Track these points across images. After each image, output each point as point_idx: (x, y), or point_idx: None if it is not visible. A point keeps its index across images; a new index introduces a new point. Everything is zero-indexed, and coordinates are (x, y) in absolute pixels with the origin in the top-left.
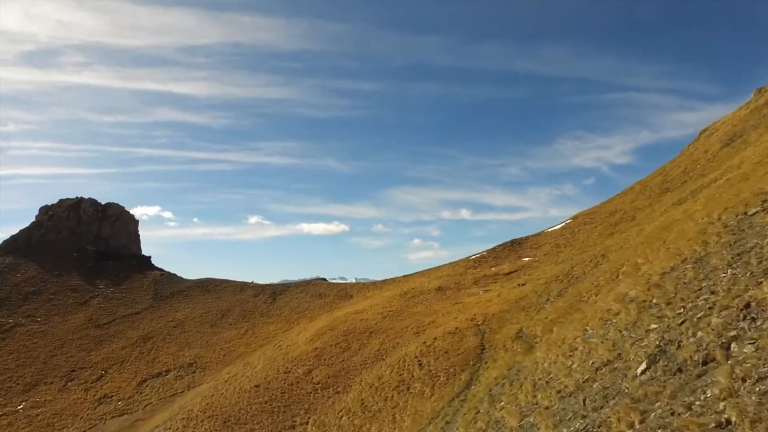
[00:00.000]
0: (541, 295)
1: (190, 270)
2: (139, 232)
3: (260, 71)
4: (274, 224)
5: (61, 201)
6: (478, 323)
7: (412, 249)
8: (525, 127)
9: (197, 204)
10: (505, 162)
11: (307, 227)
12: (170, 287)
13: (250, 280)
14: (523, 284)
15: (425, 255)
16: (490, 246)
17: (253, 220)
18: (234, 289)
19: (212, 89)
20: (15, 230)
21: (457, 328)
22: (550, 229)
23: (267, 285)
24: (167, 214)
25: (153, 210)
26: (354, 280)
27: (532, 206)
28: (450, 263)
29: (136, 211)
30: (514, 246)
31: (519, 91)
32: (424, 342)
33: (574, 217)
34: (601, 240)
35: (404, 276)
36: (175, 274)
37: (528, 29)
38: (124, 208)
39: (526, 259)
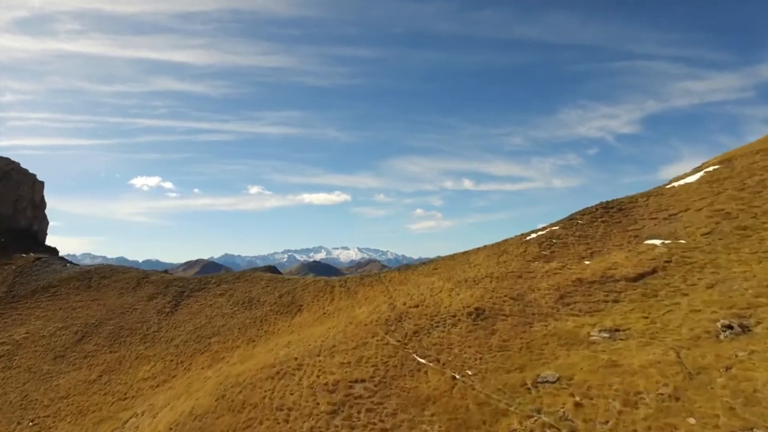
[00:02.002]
0: None
1: (192, 240)
2: (45, 199)
3: (259, 39)
4: (275, 194)
5: None
6: None
7: (414, 219)
8: (528, 95)
9: (198, 175)
10: (508, 131)
11: (308, 197)
12: (37, 279)
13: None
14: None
15: (427, 225)
16: (496, 216)
17: (253, 190)
18: (126, 283)
19: (211, 57)
20: None
21: None
22: (678, 183)
23: (176, 279)
24: (168, 185)
25: (153, 181)
26: (357, 251)
27: (535, 176)
28: (490, 246)
29: (137, 182)
30: (614, 214)
31: (522, 59)
32: None
33: (727, 159)
34: None
35: (409, 268)
36: (63, 259)
37: None
38: (17, 166)
39: (655, 241)
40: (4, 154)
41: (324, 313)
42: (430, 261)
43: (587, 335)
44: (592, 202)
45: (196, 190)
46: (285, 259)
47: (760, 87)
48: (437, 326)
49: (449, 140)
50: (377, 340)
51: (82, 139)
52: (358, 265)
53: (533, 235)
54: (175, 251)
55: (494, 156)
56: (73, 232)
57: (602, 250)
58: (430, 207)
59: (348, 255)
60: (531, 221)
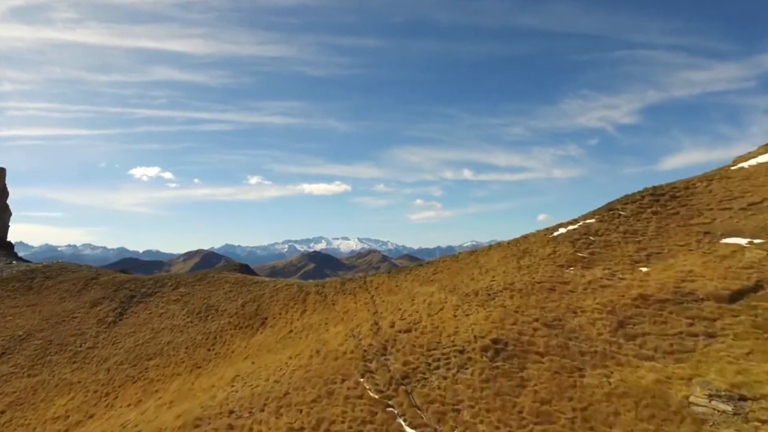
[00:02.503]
0: None
1: (193, 230)
2: (7, 186)
3: (258, 28)
4: (275, 184)
5: None
6: None
7: (414, 209)
8: (529, 85)
9: (198, 165)
10: (508, 121)
11: (308, 187)
12: None
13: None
14: None
15: (427, 215)
16: (496, 206)
17: (253, 180)
18: (72, 285)
19: (210, 47)
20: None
21: None
22: (749, 164)
23: (130, 280)
24: (167, 175)
25: (153, 171)
26: (357, 241)
27: (535, 166)
28: (505, 245)
29: (136, 172)
30: (666, 203)
31: (523, 49)
32: None
33: None
34: None
35: (402, 271)
36: (16, 256)
37: None
38: None
39: (739, 240)
40: (3, 145)
41: (290, 332)
42: (429, 263)
43: (685, 400)
44: (593, 192)
45: (196, 180)
46: (285, 249)
47: (763, 77)
48: (437, 367)
49: (449, 130)
50: (348, 389)
51: (80, 129)
52: (359, 255)
53: (562, 230)
54: (176, 241)
55: (494, 146)
56: (74, 223)
57: (662, 251)
58: (430, 197)
59: (348, 245)
60: (531, 211)
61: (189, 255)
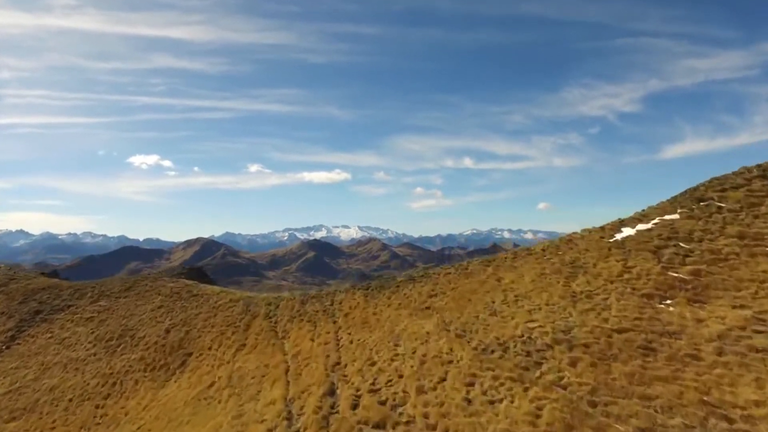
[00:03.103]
0: None
1: (193, 218)
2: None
3: (257, 15)
4: (275, 173)
5: None
6: None
7: (414, 197)
8: (531, 73)
9: (197, 153)
10: (509, 110)
11: (308, 176)
12: None
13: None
14: None
15: (428, 203)
16: (497, 195)
17: (253, 168)
18: None
19: (208, 34)
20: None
21: None
22: None
23: (46, 288)
24: (167, 163)
25: (152, 159)
26: (358, 229)
27: (536, 155)
28: (539, 252)
29: (135, 160)
30: None
31: (525, 37)
32: None
33: None
34: None
35: (386, 286)
36: None
37: None
38: None
39: None
40: (4, 133)
41: (210, 386)
42: (425, 275)
43: None
44: (594, 181)
45: (195, 169)
46: (286, 238)
47: (767, 65)
48: None
49: (450, 118)
50: None
51: (79, 117)
52: (359, 244)
53: (628, 231)
54: (176, 230)
55: (495, 134)
56: (74, 211)
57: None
58: (430, 185)
59: (348, 233)
60: (532, 200)
61: (189, 243)
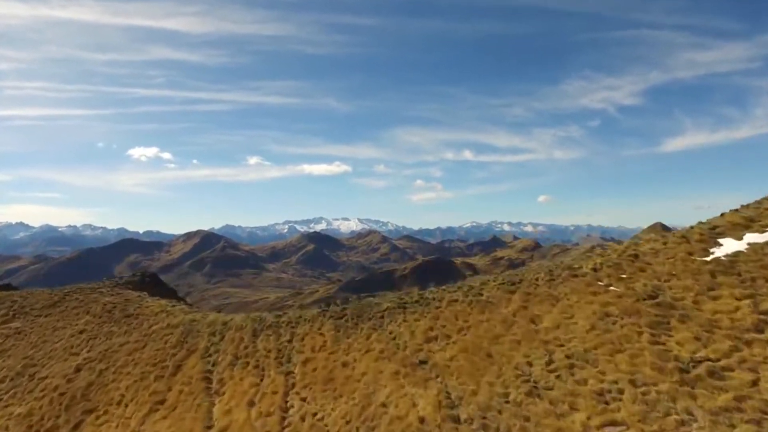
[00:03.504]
0: None
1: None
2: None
3: (255, 6)
4: (275, 165)
5: None
6: None
7: (414, 190)
8: (531, 65)
9: (196, 145)
10: (509, 102)
11: (308, 168)
12: None
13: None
14: None
15: (428, 196)
16: (496, 187)
17: (253, 160)
18: None
19: (206, 25)
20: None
21: None
22: None
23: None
24: (166, 155)
25: (151, 151)
26: (358, 221)
27: (536, 147)
28: (590, 271)
29: (134, 152)
30: None
31: (525, 28)
32: None
33: None
34: None
35: (366, 310)
36: None
37: None
38: None
39: None
40: (1, 125)
41: None
42: (421, 300)
43: None
44: (594, 174)
45: (195, 161)
46: (285, 230)
47: None
48: None
49: (449, 111)
50: None
51: (78, 109)
52: (359, 236)
53: (731, 244)
54: (176, 222)
55: (495, 127)
56: (74, 204)
57: None
58: (430, 178)
59: (348, 226)
60: (532, 193)
61: (189, 235)
